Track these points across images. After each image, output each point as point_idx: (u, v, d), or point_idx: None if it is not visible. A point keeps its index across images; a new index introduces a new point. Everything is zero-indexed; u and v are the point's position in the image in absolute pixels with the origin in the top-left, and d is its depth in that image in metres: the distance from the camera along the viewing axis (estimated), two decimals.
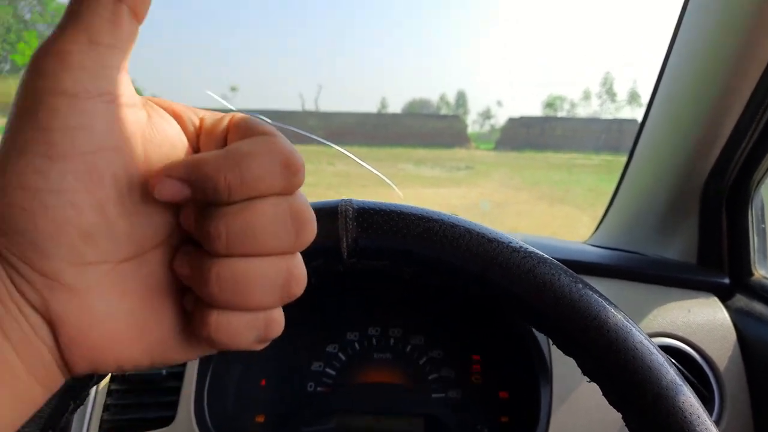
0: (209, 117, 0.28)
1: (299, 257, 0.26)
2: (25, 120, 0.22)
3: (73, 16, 0.23)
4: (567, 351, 0.33)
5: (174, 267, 0.26)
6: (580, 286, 0.32)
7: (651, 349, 0.31)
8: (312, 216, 0.26)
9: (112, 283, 0.24)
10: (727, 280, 0.83)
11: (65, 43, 0.23)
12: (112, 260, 0.24)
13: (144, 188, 0.24)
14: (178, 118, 0.27)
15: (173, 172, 0.24)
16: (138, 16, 0.25)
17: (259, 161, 0.24)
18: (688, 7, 0.80)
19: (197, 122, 0.28)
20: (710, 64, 0.77)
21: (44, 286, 0.23)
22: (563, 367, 0.73)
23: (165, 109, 0.27)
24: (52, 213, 0.22)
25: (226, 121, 0.27)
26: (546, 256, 0.33)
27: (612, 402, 0.33)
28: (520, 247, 0.33)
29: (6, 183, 0.22)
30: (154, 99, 0.27)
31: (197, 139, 0.28)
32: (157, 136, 0.25)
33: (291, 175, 0.25)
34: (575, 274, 0.33)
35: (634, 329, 0.32)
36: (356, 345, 0.83)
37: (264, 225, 0.24)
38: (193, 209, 0.25)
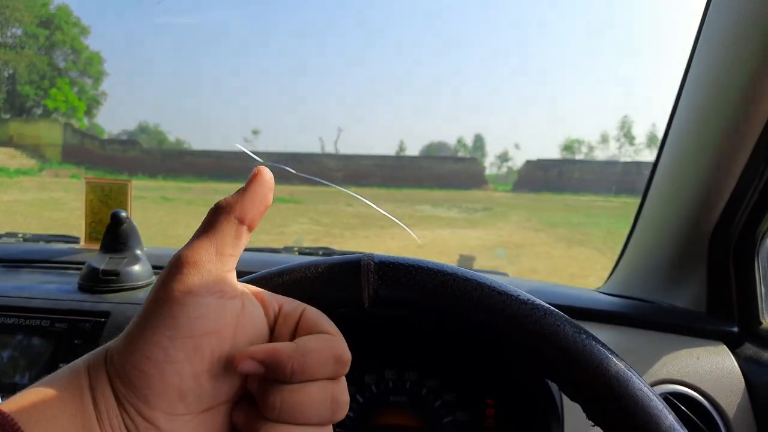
0: (287, 305, 0.35)
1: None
2: (158, 306, 0.30)
3: (206, 232, 0.32)
4: (572, 397, 0.36)
5: (233, 417, 0.32)
6: (584, 336, 0.35)
7: (650, 395, 0.34)
8: (346, 399, 0.33)
9: (192, 427, 0.31)
10: (736, 329, 0.84)
11: (199, 254, 0.31)
12: (195, 411, 0.31)
13: (230, 362, 0.31)
14: (263, 303, 0.34)
15: (256, 355, 0.30)
16: (252, 228, 0.34)
17: (318, 356, 0.31)
18: (692, 63, 0.84)
19: (277, 308, 0.35)
20: (715, 114, 0.80)
21: (145, 428, 0.29)
22: (574, 412, 0.74)
23: (255, 296, 0.34)
24: (164, 378, 0.29)
25: (299, 312, 0.34)
26: (552, 307, 0.36)
27: None
28: (528, 299, 0.36)
29: (135, 350, 0.29)
30: (248, 287, 0.35)
31: (275, 321, 0.34)
32: (247, 321, 0.33)
33: (340, 368, 0.32)
34: (579, 325, 0.35)
35: (634, 377, 0.34)
36: (373, 388, 0.85)
37: (310, 403, 0.31)
38: (258, 379, 0.32)
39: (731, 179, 0.81)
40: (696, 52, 0.84)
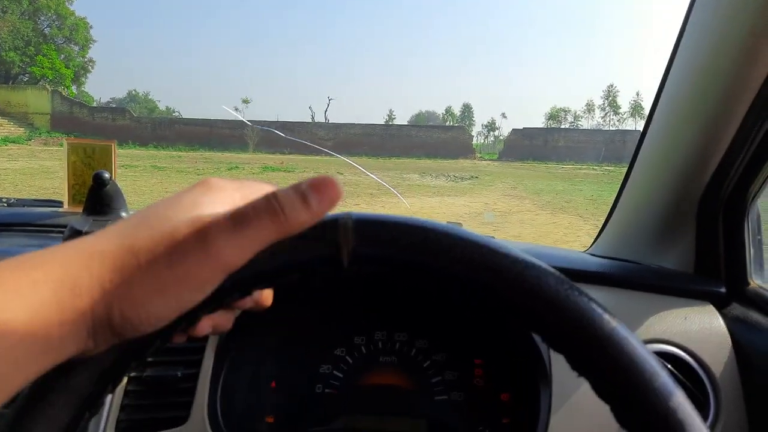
0: None
1: None
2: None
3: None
4: (556, 348, 0.35)
5: None
6: (567, 287, 0.34)
7: (635, 342, 0.33)
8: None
9: None
10: (723, 289, 0.85)
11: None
12: None
13: None
14: None
15: None
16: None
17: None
18: (688, 23, 0.82)
19: None
20: (709, 79, 0.79)
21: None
22: (562, 369, 0.75)
23: None
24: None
25: None
26: (534, 259, 0.35)
27: (601, 396, 0.34)
28: (509, 252, 0.35)
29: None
30: None
31: None
32: None
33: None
34: (562, 276, 0.35)
35: (619, 326, 0.33)
36: (363, 349, 0.85)
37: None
38: None
39: (724, 141, 0.80)
40: (691, 14, 0.82)
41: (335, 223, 0.35)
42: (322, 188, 0.33)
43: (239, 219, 0.32)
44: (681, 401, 0.32)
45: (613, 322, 0.33)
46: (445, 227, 0.36)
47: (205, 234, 0.31)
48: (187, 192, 0.35)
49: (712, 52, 0.78)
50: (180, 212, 0.33)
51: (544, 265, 0.35)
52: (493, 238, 1.23)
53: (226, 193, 0.35)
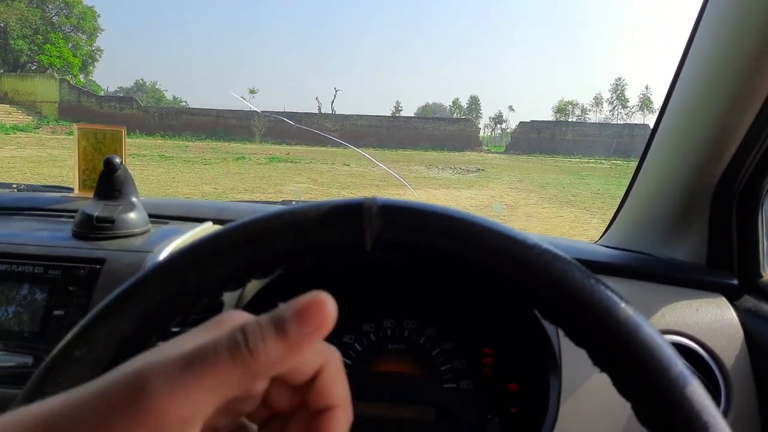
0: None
1: None
2: None
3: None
4: (578, 342, 0.35)
5: None
6: (593, 281, 0.34)
7: (661, 342, 0.33)
8: None
9: None
10: (735, 281, 0.84)
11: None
12: None
13: None
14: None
15: None
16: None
17: None
18: (704, 15, 0.82)
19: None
20: (725, 68, 0.78)
21: None
22: (572, 360, 0.75)
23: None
24: None
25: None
26: (560, 252, 0.35)
27: (622, 392, 0.34)
28: (535, 244, 0.35)
29: None
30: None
31: None
32: None
33: None
34: (587, 270, 0.35)
35: (643, 323, 0.33)
36: (372, 336, 0.85)
37: None
38: None
39: (738, 133, 0.80)
40: (707, 5, 0.81)
41: (360, 207, 0.34)
42: (307, 313, 0.25)
43: (189, 361, 0.24)
44: (699, 392, 0.32)
45: (639, 319, 0.33)
46: (471, 216, 0.35)
47: (141, 384, 0.23)
48: None
49: (728, 44, 0.77)
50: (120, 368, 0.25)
51: (570, 258, 0.34)
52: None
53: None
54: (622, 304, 0.33)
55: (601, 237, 1.16)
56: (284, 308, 0.26)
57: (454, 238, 0.34)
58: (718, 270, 0.87)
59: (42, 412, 0.24)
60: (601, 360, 0.34)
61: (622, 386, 0.34)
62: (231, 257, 0.35)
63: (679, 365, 0.32)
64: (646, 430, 0.33)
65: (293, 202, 1.23)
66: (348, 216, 0.34)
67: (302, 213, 0.35)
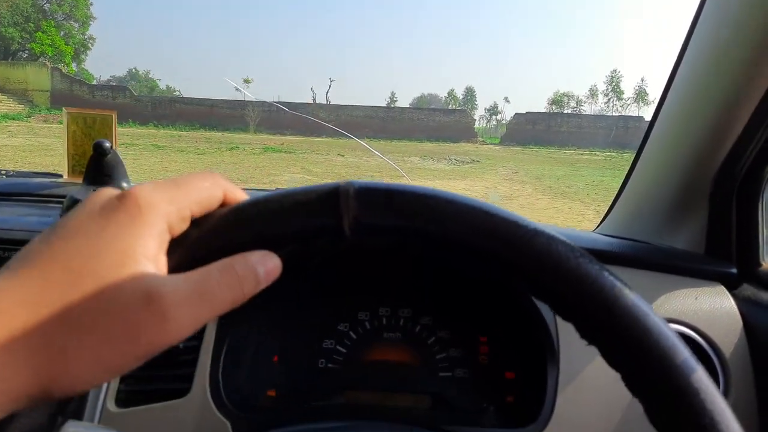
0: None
1: None
2: None
3: None
4: (565, 317, 0.34)
5: None
6: (577, 254, 0.32)
7: (665, 329, 0.32)
8: None
9: None
10: (734, 270, 0.84)
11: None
12: None
13: None
14: None
15: None
16: None
17: None
18: (706, 2, 0.80)
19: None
20: (727, 57, 0.77)
21: None
22: (570, 349, 0.74)
23: None
24: None
25: None
26: (542, 226, 0.34)
27: (627, 382, 0.33)
28: (516, 219, 0.33)
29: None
30: None
31: None
32: None
33: None
34: (571, 244, 0.33)
35: (629, 292, 0.32)
36: (367, 324, 0.84)
37: None
38: None
39: (740, 120, 0.79)
40: None
41: (336, 191, 0.33)
42: (267, 261, 0.33)
43: (201, 294, 0.30)
44: (703, 378, 0.31)
45: (626, 290, 0.32)
46: (450, 194, 0.34)
47: (164, 309, 0.28)
48: (110, 224, 0.29)
49: (730, 33, 0.76)
50: (115, 266, 0.28)
51: (553, 232, 0.33)
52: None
53: (158, 212, 0.31)
54: (606, 275, 0.32)
55: (598, 225, 1.15)
56: (254, 255, 0.32)
57: (434, 218, 0.33)
58: (717, 259, 0.86)
59: (51, 303, 0.27)
60: (587, 333, 0.33)
61: (628, 378, 0.32)
62: (201, 246, 0.33)
63: (685, 353, 0.31)
64: (643, 418, 0.32)
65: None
66: (324, 200, 0.33)
67: (277, 200, 0.34)
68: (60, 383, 0.27)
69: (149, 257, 0.29)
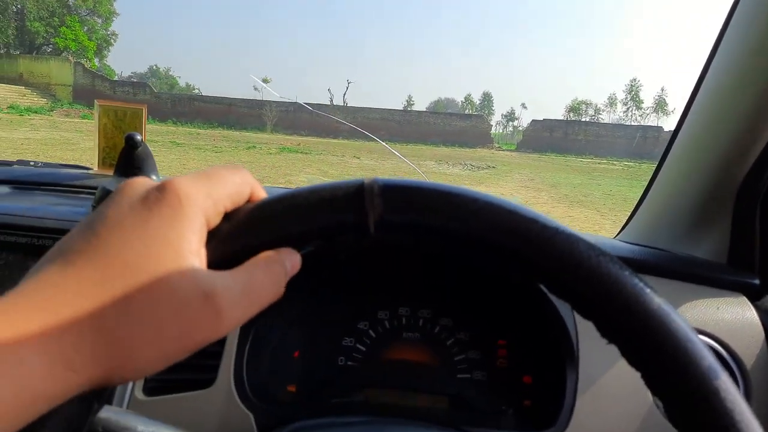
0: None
1: None
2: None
3: None
4: (585, 315, 0.34)
5: None
6: (598, 253, 0.32)
7: (690, 334, 0.32)
8: None
9: None
10: (757, 281, 0.83)
11: None
12: None
13: None
14: None
15: None
16: None
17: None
18: (736, 11, 0.80)
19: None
20: (753, 67, 0.77)
21: None
22: (590, 354, 0.74)
23: None
24: None
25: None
26: (564, 226, 0.34)
27: (648, 381, 0.33)
28: (538, 218, 0.33)
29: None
30: None
31: None
32: None
33: None
34: (593, 244, 0.33)
35: (651, 293, 0.32)
36: (386, 323, 0.85)
37: None
38: None
39: (765, 131, 0.79)
40: (740, 1, 0.80)
41: (361, 187, 0.34)
42: (292, 257, 0.35)
43: (248, 292, 0.32)
44: (727, 383, 0.31)
45: (648, 290, 0.32)
46: (474, 192, 0.35)
47: (219, 307, 0.30)
48: (153, 217, 0.30)
49: (757, 40, 0.76)
50: (167, 260, 0.29)
51: (575, 232, 0.34)
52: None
53: (198, 206, 0.31)
54: (628, 274, 0.32)
55: (619, 233, 1.15)
56: (283, 252, 0.35)
57: (457, 216, 0.33)
58: (740, 269, 0.86)
59: (114, 295, 0.28)
60: (607, 331, 0.33)
61: (651, 380, 0.32)
62: (234, 242, 0.34)
63: (709, 358, 0.31)
64: (663, 427, 0.32)
65: None
66: (349, 197, 0.33)
67: (302, 196, 0.34)
68: (121, 371, 0.28)
69: (194, 252, 0.30)
